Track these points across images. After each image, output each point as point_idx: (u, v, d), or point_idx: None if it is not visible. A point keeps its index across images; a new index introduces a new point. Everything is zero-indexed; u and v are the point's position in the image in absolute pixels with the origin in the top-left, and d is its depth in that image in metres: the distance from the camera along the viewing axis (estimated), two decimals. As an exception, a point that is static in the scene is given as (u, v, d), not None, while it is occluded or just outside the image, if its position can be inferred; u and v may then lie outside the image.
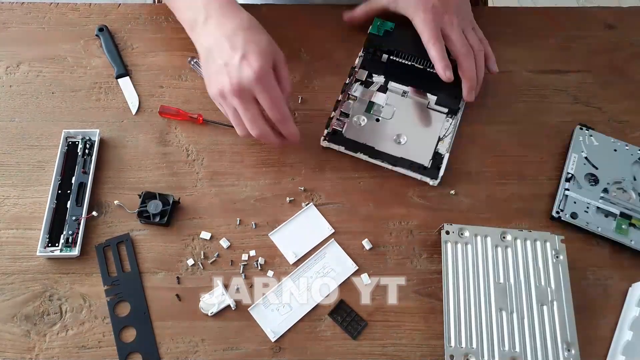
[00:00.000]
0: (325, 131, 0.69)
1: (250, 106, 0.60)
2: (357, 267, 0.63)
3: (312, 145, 0.69)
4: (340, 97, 0.71)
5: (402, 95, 0.72)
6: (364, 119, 0.70)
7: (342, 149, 0.68)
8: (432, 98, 0.71)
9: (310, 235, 0.65)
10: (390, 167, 0.68)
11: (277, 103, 0.60)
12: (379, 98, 0.71)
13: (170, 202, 0.65)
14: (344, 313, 0.61)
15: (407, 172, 0.68)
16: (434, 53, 0.68)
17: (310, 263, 0.64)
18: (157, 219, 0.64)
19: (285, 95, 0.63)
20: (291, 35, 0.77)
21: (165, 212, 0.65)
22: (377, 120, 0.70)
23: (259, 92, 0.59)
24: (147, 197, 0.65)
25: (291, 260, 0.64)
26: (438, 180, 0.67)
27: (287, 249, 0.64)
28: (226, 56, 0.60)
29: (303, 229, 0.66)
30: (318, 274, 0.63)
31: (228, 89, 0.59)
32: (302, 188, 0.67)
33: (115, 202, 0.65)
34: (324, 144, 0.68)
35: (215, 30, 0.62)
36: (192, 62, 0.74)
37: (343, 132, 0.69)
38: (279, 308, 0.62)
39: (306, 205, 0.66)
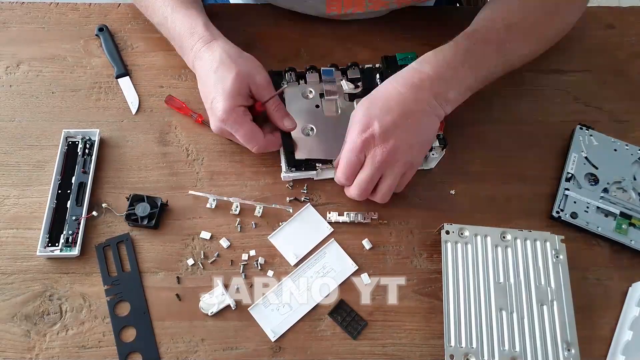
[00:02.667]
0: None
1: (235, 139, 0.66)
2: (357, 267, 0.63)
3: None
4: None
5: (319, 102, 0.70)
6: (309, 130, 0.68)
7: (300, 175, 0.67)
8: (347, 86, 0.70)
9: (310, 236, 0.65)
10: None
11: (249, 137, 0.64)
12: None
13: (159, 204, 0.65)
14: (344, 313, 0.61)
15: None
16: (339, 166, 0.64)
17: (311, 263, 0.64)
18: (145, 222, 0.64)
19: (278, 119, 0.66)
20: (291, 36, 0.77)
21: (153, 215, 0.64)
22: (309, 133, 0.68)
23: (232, 132, 0.64)
24: (135, 199, 0.65)
25: (292, 261, 0.64)
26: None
27: (287, 251, 0.64)
28: (205, 98, 0.66)
29: (302, 229, 0.66)
30: (318, 274, 0.63)
31: (215, 128, 0.65)
32: (305, 189, 0.68)
33: (103, 204, 0.65)
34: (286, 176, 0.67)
35: (199, 76, 0.67)
36: None
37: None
38: (279, 308, 0.62)
39: (304, 205, 0.67)
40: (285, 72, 0.70)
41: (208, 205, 0.66)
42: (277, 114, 0.66)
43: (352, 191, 0.63)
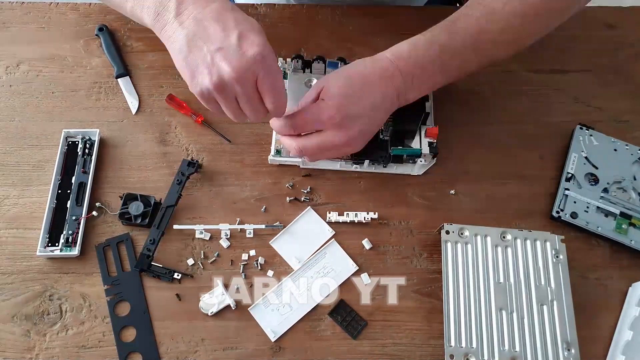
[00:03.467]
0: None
1: (251, 93, 0.54)
2: (357, 267, 0.63)
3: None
4: None
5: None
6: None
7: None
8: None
9: (311, 239, 0.65)
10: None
11: (279, 85, 0.54)
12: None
13: (152, 203, 0.65)
14: (344, 313, 0.61)
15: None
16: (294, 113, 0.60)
17: (311, 263, 0.64)
18: (139, 221, 0.64)
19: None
20: (291, 35, 0.77)
21: (146, 214, 0.64)
22: None
23: (264, 75, 0.53)
24: (129, 198, 0.65)
25: (295, 266, 0.64)
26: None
27: (290, 256, 0.64)
28: (218, 39, 0.52)
29: (303, 233, 0.65)
30: (318, 274, 0.63)
31: (229, 76, 0.52)
32: (307, 189, 0.68)
33: (97, 204, 0.65)
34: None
35: (193, 17, 0.54)
36: None
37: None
38: (279, 308, 0.62)
39: (305, 209, 0.67)
40: (292, 59, 0.71)
41: (198, 236, 0.64)
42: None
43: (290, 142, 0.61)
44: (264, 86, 0.53)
